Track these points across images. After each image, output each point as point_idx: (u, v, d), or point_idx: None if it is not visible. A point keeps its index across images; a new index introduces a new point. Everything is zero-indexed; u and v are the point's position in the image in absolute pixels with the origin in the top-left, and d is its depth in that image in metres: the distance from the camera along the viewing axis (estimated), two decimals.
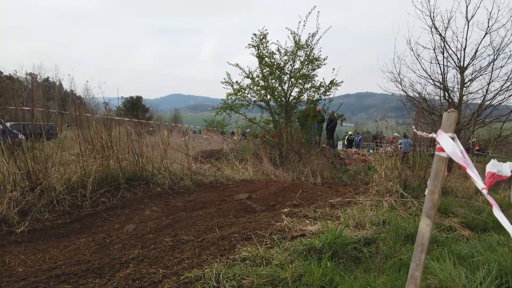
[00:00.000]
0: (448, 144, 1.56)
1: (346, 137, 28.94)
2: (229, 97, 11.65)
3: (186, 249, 3.43)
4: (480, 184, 1.49)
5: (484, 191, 1.45)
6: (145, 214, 4.89)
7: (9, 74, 54.72)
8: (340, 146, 28.24)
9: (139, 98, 60.61)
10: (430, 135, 1.79)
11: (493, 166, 1.50)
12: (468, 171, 1.51)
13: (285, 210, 5.01)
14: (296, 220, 4.32)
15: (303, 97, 12.35)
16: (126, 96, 62.82)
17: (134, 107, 58.13)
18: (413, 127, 6.18)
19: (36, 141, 5.83)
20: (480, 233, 4.46)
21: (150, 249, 3.51)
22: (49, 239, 4.07)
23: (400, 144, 19.72)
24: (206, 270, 2.78)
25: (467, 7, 8.23)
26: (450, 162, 8.59)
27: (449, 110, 1.61)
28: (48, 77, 59.50)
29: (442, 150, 1.62)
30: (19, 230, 4.08)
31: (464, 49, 8.43)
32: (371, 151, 28.30)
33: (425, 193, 1.74)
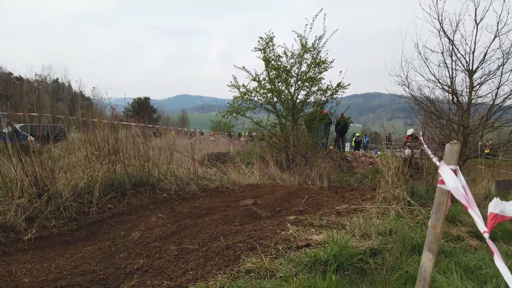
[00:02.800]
0: (450, 179, 1.53)
1: (354, 139, 28.78)
2: (236, 100, 11.68)
3: (190, 259, 3.42)
4: (482, 226, 1.46)
5: (486, 235, 1.42)
6: (151, 221, 4.90)
7: (19, 75, 55.43)
8: (347, 147, 28.09)
9: (146, 99, 60.96)
10: (434, 159, 1.75)
11: (495, 205, 1.44)
12: (470, 210, 1.48)
13: (291, 217, 4.98)
14: (302, 229, 4.29)
15: (309, 99, 12.33)
16: (134, 97, 63.33)
17: (142, 108, 58.62)
18: (420, 133, 6.12)
19: (43, 147, 5.90)
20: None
21: (155, 258, 3.51)
22: (55, 246, 4.10)
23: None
24: (210, 283, 2.78)
25: (476, 10, 8.10)
26: (460, 166, 8.50)
27: (451, 142, 1.57)
28: (57, 78, 60.20)
29: (444, 182, 1.59)
30: (26, 237, 4.11)
31: (473, 52, 8.32)
32: (378, 152, 28.09)
33: (428, 224, 1.71)
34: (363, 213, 5.16)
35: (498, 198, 1.51)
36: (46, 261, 3.53)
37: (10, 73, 56.34)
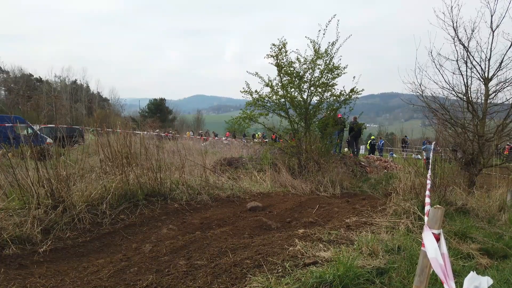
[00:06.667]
0: (431, 248, 1.54)
1: (369, 142, 28.47)
2: (248, 106, 11.77)
3: (198, 276, 3.49)
4: None
5: None
6: (162, 233, 5.00)
7: (39, 77, 56.92)
8: (362, 150, 27.83)
9: (162, 100, 61.74)
10: (426, 209, 1.76)
11: (471, 281, 1.43)
12: (446, 286, 1.48)
13: (300, 230, 5.01)
14: (310, 244, 4.31)
15: (322, 105, 12.32)
16: (150, 97, 64.35)
17: (158, 109, 59.54)
18: (433, 143, 6.06)
19: (61, 150, 6.11)
20: (499, 261, 4.34)
21: (164, 274, 3.59)
22: (69, 258, 4.22)
23: (424, 149, 19.27)
24: None
25: (491, 16, 7.99)
26: (474, 176, 8.35)
27: (435, 207, 1.59)
28: (76, 80, 61.54)
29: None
30: (42, 249, 4.25)
31: (489, 59, 8.18)
32: (394, 155, 27.75)
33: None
34: (372, 227, 5.15)
35: (475, 272, 1.51)
36: (60, 275, 3.65)
37: (31, 75, 57.83)
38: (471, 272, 1.52)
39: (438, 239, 1.54)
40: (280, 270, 3.57)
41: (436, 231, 1.56)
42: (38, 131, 14.41)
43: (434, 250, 1.52)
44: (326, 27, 11.30)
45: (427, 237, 1.56)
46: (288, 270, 3.57)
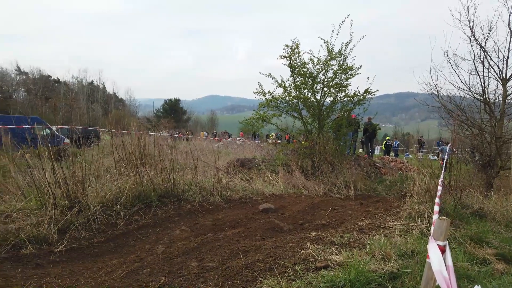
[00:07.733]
0: (436, 260, 1.51)
1: (384, 142, 28.16)
2: (261, 107, 11.78)
3: (210, 278, 3.51)
4: None
5: None
6: (175, 234, 5.04)
7: (57, 78, 58.09)
8: (377, 151, 27.55)
9: (177, 101, 62.29)
10: (434, 219, 1.73)
11: None
12: None
13: (312, 233, 4.99)
14: (322, 248, 4.29)
15: (336, 106, 12.24)
16: (165, 97, 65.15)
17: (173, 109, 60.16)
18: (449, 145, 5.96)
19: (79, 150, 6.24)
20: None
21: (176, 275, 3.62)
22: (85, 258, 4.31)
23: (442, 150, 18.94)
24: None
25: (509, 15, 7.82)
26: (492, 178, 8.18)
27: (440, 218, 1.56)
28: (92, 80, 62.59)
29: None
30: (58, 249, 4.34)
31: (507, 59, 8.01)
32: (410, 156, 27.39)
33: None
34: (386, 230, 5.09)
35: (480, 286, 1.48)
36: (75, 275, 3.72)
37: (49, 76, 59.04)
38: (476, 286, 1.49)
39: (443, 251, 1.52)
40: (291, 274, 3.57)
41: (441, 243, 1.54)
42: (55, 132, 14.72)
43: (438, 263, 1.50)
44: (340, 27, 11.22)
45: (432, 248, 1.54)
46: (299, 273, 3.56)
